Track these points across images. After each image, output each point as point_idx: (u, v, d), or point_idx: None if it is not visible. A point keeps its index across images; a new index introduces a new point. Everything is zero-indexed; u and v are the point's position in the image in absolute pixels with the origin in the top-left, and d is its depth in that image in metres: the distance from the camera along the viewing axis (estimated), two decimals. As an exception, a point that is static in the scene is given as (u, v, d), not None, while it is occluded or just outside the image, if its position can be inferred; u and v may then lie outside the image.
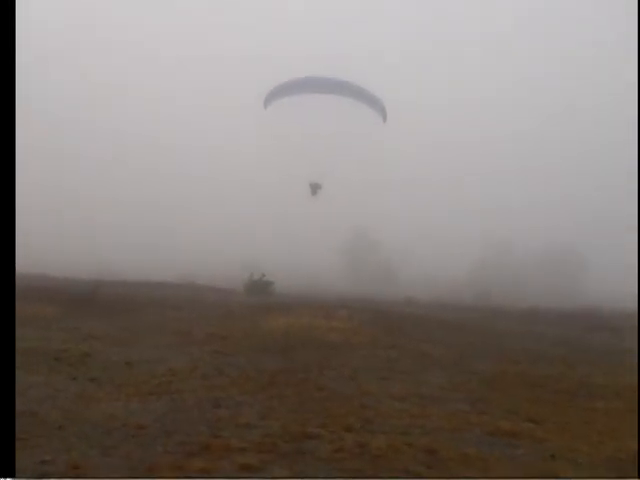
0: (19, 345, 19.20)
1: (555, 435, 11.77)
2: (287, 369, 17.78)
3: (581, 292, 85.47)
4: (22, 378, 15.00)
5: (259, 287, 54.38)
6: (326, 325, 27.52)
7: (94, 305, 32.34)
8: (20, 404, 12.41)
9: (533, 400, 15.11)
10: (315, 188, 32.00)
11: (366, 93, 29.34)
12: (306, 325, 27.23)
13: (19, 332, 22.08)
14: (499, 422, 12.48)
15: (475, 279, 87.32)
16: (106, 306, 32.21)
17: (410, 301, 54.56)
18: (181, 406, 13.02)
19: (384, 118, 30.06)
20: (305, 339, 23.78)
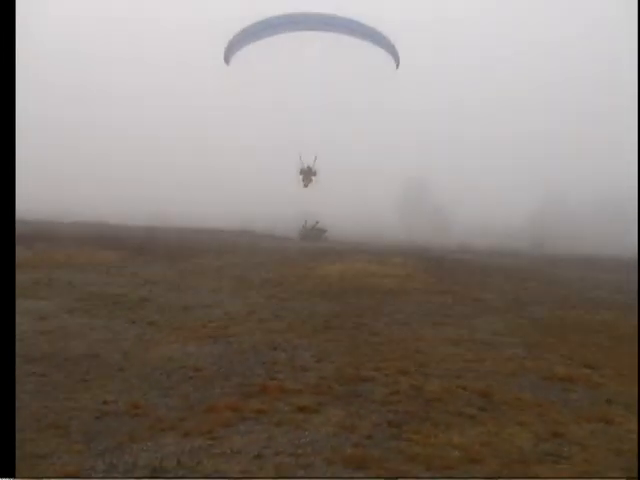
0: (82, 290, 19.82)
1: (611, 380, 11.65)
2: (341, 314, 17.90)
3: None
4: (84, 321, 15.44)
5: (313, 234, 54.65)
6: (380, 271, 27.58)
7: (152, 251, 32.90)
8: (82, 346, 12.83)
9: (589, 346, 14.95)
10: (308, 176, 24.90)
11: (367, 30, 21.40)
12: (360, 271, 27.33)
13: (82, 277, 22.82)
14: (555, 367, 12.40)
15: (531, 227, 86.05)
16: (164, 252, 32.76)
17: (464, 248, 54.13)
18: (238, 349, 13.23)
19: (397, 62, 22.33)
20: (359, 285, 23.88)
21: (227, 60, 22.62)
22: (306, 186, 25.01)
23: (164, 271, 26.11)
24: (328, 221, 57.69)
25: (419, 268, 29.77)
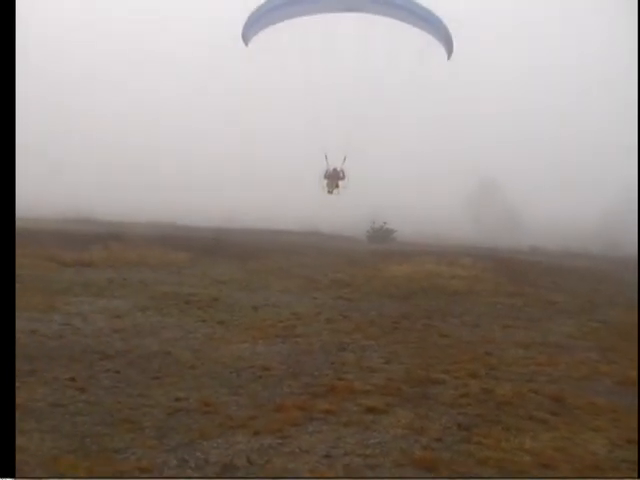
0: (155, 289, 20.21)
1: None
2: (410, 315, 17.82)
3: None
4: (156, 319, 15.75)
5: (381, 235, 54.54)
6: (449, 272, 27.32)
7: (222, 252, 33.29)
8: (155, 344, 13.09)
9: (667, 351, 14.52)
10: (334, 180, 20.82)
11: (417, 8, 17.25)
12: (428, 272, 27.13)
13: (154, 277, 23.27)
14: (629, 372, 12.08)
15: (605, 228, 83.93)
16: (233, 252, 33.10)
17: (535, 250, 53.17)
18: (306, 349, 13.31)
19: (449, 50, 18.45)
20: (427, 286, 23.72)
21: (246, 40, 18.41)
22: (331, 192, 21.15)
23: (234, 271, 26.41)
24: (396, 222, 57.42)
25: (488, 269, 29.38)
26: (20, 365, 10.73)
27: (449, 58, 18.89)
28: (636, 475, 7.20)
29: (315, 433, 8.33)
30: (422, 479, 7.08)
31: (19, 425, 8.10)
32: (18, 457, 7.15)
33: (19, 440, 7.63)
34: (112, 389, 10.00)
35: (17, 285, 19.11)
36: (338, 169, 21.24)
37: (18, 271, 21.58)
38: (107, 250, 28.68)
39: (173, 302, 18.24)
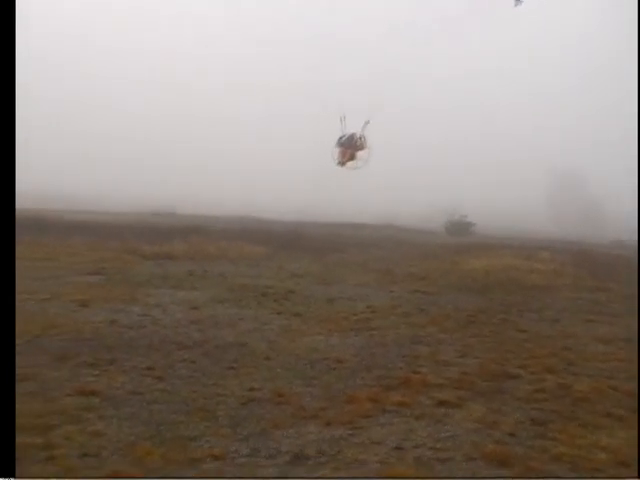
0: (233, 281, 20.52)
1: None
2: (486, 309, 17.58)
3: None
4: (233, 311, 15.98)
5: (460, 228, 53.97)
6: (527, 266, 26.84)
7: (299, 245, 33.55)
8: (231, 335, 13.30)
9: None
10: (349, 150, 17.43)
11: None
12: (506, 266, 26.70)
13: (233, 269, 23.63)
14: None
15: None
16: (310, 246, 33.31)
17: (618, 243, 51.56)
18: (380, 342, 13.29)
19: None
20: (505, 280, 23.34)
21: None
22: (342, 164, 17.43)
23: (310, 264, 26.58)
24: (474, 214, 56.72)
25: (568, 263, 28.71)
26: (101, 354, 11.11)
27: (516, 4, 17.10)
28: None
29: (386, 425, 8.32)
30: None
31: (99, 411, 8.39)
32: (96, 441, 7.41)
33: (99, 425, 7.90)
34: (188, 378, 10.20)
35: (100, 277, 19.80)
36: (357, 135, 17.45)
37: (102, 264, 22.37)
38: (187, 243, 29.27)
39: (250, 294, 18.47)
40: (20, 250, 24.41)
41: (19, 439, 6.98)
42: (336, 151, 17.45)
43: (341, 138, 17.35)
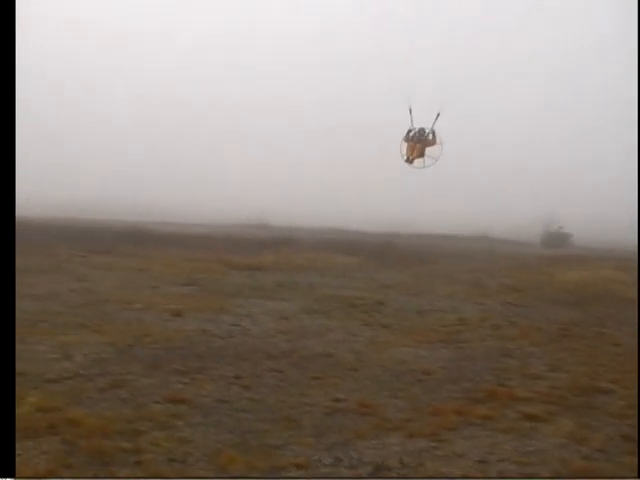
0: (322, 292, 20.66)
1: None
2: (580, 322, 17.10)
3: None
4: (321, 322, 16.08)
5: (556, 239, 52.72)
6: (627, 278, 25.90)
7: (390, 256, 33.50)
8: (318, 346, 13.38)
9: None
10: (417, 145, 15.99)
11: None
12: (604, 278, 25.87)
13: (321, 280, 23.79)
14: None
15: None
16: (401, 257, 33.22)
17: None
18: (469, 354, 13.12)
19: None
20: (601, 292, 22.62)
21: None
22: (410, 162, 15.96)
23: (400, 276, 26.47)
24: (573, 224, 55.26)
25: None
26: (191, 363, 11.36)
27: None
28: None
29: (471, 438, 8.20)
30: None
31: (187, 418, 8.59)
32: (183, 448, 7.58)
33: (186, 432, 8.08)
34: (275, 388, 10.31)
35: (193, 288, 20.27)
36: (427, 130, 16.13)
37: (195, 275, 22.89)
38: (278, 254, 29.67)
39: (339, 305, 18.54)
40: (118, 261, 25.45)
41: (109, 443, 7.24)
42: (404, 146, 16.07)
43: (409, 132, 16.07)
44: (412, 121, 16.10)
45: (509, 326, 16.35)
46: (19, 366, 10.09)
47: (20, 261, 22.99)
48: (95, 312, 15.27)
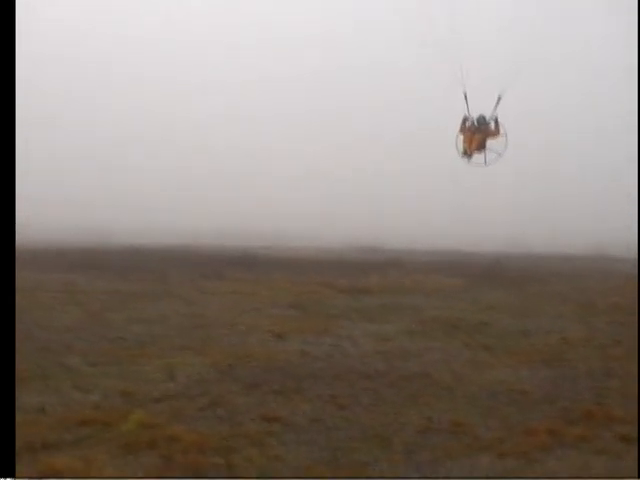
0: (425, 314, 20.67)
1: None
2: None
3: None
4: (421, 343, 16.11)
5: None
6: None
7: (497, 277, 32.97)
8: (416, 366, 13.45)
9: None
10: (477, 136, 13.95)
11: None
12: None
13: (425, 302, 23.74)
14: None
15: None
16: (508, 277, 32.63)
17: None
18: (570, 374, 12.86)
19: None
20: None
21: None
22: (470, 155, 13.89)
23: (507, 296, 26.04)
24: None
25: None
26: (288, 383, 11.71)
27: None
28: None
29: (562, 459, 8.13)
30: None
31: (280, 436, 8.89)
32: (275, 465, 7.88)
33: (279, 449, 8.38)
34: (369, 407, 10.49)
35: (297, 310, 20.69)
36: (487, 117, 14.09)
37: (299, 298, 23.34)
38: (384, 277, 29.82)
39: (441, 326, 18.49)
40: (227, 285, 26.23)
41: (203, 459, 7.63)
42: (460, 138, 13.90)
43: (465, 121, 13.85)
44: (468, 108, 13.78)
45: (614, 345, 15.88)
46: (126, 386, 10.73)
47: (133, 286, 24.22)
48: (200, 335, 15.88)
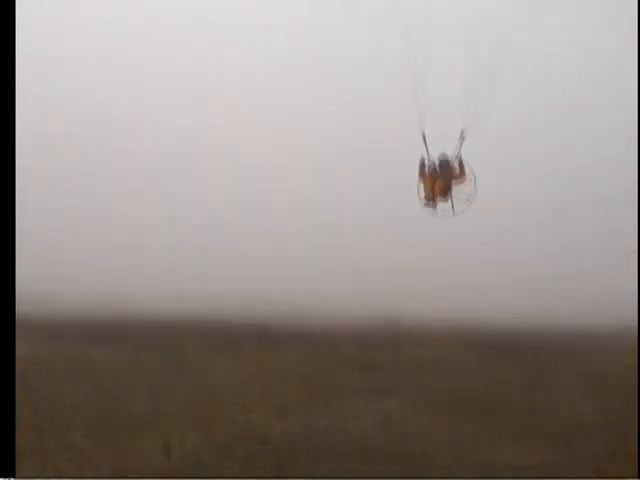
0: (430, 392, 20.43)
1: None
2: None
3: None
4: (425, 421, 15.94)
5: None
6: None
7: (512, 351, 32.51)
8: (416, 444, 13.36)
9: None
10: (440, 181, 11.61)
11: None
12: None
13: (436, 378, 23.46)
14: None
15: None
16: (524, 352, 32.17)
17: None
18: (574, 458, 12.71)
19: None
20: None
21: None
22: (433, 203, 11.74)
23: (520, 372, 25.68)
24: None
25: None
26: (285, 462, 11.69)
27: None
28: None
29: None
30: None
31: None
32: None
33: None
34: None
35: (302, 386, 20.54)
36: (450, 157, 11.81)
37: (303, 373, 23.13)
38: (396, 351, 29.50)
39: (448, 404, 18.13)
40: (237, 358, 26.08)
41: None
42: (421, 185, 11.88)
43: (423, 165, 11.88)
44: (427, 149, 11.79)
45: (625, 427, 15.65)
46: (120, 462, 10.79)
47: (146, 359, 24.30)
48: (204, 410, 15.86)
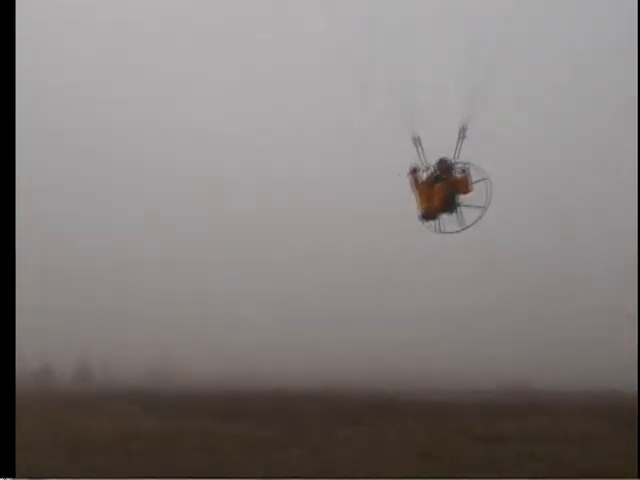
0: (558, 466, 19.71)
1: None
2: None
3: None
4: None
5: None
6: None
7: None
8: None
9: None
10: (447, 190, 9.65)
11: None
12: None
13: (562, 450, 22.58)
14: None
15: None
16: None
17: None
18: None
19: None
20: None
21: None
22: (431, 217, 9.86)
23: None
24: None
25: None
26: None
27: None
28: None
29: None
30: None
31: None
32: None
33: None
34: None
35: (423, 461, 20.31)
36: (450, 160, 9.82)
37: (426, 447, 22.83)
38: (523, 422, 28.87)
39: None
40: (359, 432, 26.13)
41: None
42: (416, 195, 9.85)
43: (416, 172, 10.02)
44: (421, 153, 9.91)
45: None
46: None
47: (267, 434, 24.71)
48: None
